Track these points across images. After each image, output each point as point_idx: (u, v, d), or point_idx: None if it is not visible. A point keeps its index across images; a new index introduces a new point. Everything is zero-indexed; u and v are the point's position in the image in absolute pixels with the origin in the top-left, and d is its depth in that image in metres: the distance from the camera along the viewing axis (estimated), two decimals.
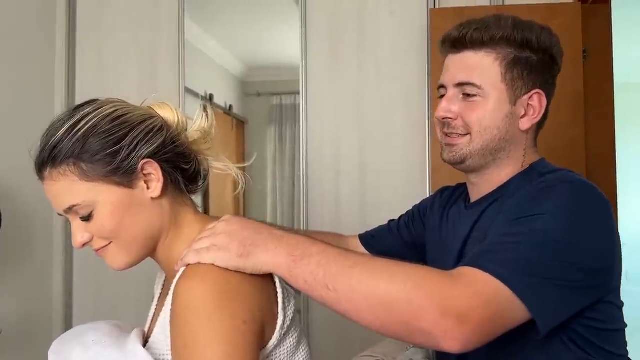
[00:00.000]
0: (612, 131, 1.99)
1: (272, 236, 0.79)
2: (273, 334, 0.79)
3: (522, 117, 0.99)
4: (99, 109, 0.81)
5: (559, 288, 0.78)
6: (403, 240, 1.26)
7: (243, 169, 0.92)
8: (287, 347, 0.82)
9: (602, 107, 1.98)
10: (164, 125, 0.84)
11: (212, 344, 0.69)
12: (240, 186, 0.91)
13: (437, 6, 2.09)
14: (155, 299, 0.95)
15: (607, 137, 1.98)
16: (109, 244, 0.81)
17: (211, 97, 2.30)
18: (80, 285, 2.23)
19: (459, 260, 0.98)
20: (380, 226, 1.34)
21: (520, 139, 1.00)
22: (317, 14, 2.17)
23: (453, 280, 0.75)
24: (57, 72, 2.26)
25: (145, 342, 0.83)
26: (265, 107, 2.37)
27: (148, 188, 0.81)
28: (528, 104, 0.99)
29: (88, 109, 0.80)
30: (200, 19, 2.28)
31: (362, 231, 1.34)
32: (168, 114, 0.87)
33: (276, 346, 0.80)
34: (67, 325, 2.20)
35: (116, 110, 0.81)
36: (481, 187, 1.03)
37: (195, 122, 0.89)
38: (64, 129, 0.79)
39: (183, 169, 0.86)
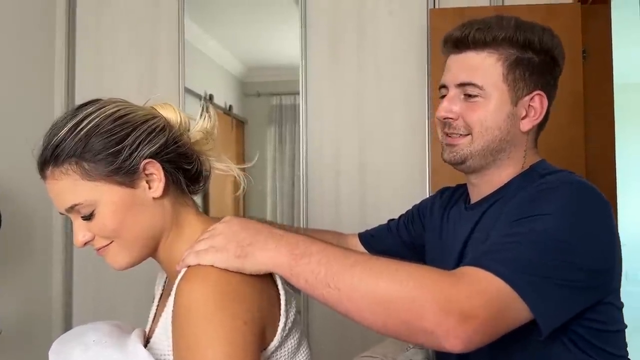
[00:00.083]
0: (612, 132, 1.99)
1: (271, 235, 0.79)
2: (274, 336, 0.79)
3: (523, 118, 0.99)
4: (101, 108, 0.81)
5: (560, 288, 0.78)
6: (402, 241, 1.26)
7: (243, 170, 0.92)
8: (289, 349, 0.82)
9: (601, 108, 1.98)
10: (166, 126, 0.84)
11: (213, 345, 0.69)
12: (241, 187, 0.91)
13: (436, 6, 2.09)
14: (156, 300, 0.95)
15: (607, 137, 1.98)
16: (110, 243, 0.82)
17: (211, 97, 2.30)
18: (80, 285, 2.23)
19: (459, 261, 0.98)
20: (380, 225, 1.34)
21: (520, 140, 1.00)
22: (317, 14, 2.17)
23: (455, 280, 0.75)
24: (57, 72, 2.26)
25: (146, 343, 0.83)
26: (265, 107, 2.37)
27: (150, 188, 0.81)
28: (529, 105, 0.99)
29: (91, 109, 0.81)
30: (200, 19, 2.28)
31: (362, 231, 1.34)
32: (170, 114, 0.87)
33: (277, 347, 0.80)
34: (67, 325, 2.20)
35: (119, 110, 0.81)
36: (481, 187, 1.03)
37: (198, 123, 0.89)
38: (66, 128, 0.79)
39: (185, 169, 0.86)
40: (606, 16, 2.02)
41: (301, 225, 2.10)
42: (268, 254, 0.77)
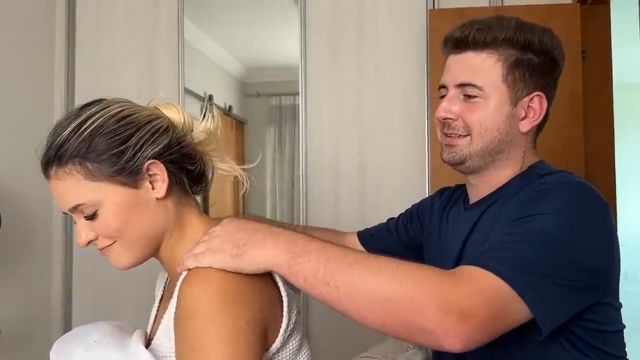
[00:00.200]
0: (611, 132, 2.00)
1: (269, 234, 0.79)
2: (276, 337, 0.79)
3: (522, 119, 0.99)
4: (105, 108, 0.81)
5: (559, 287, 0.78)
6: (401, 240, 1.27)
7: (244, 170, 0.93)
8: (290, 350, 0.82)
9: (601, 108, 1.98)
10: (169, 126, 0.84)
11: (215, 345, 0.69)
12: (244, 187, 0.91)
13: (436, 7, 2.09)
14: (157, 301, 0.96)
15: (606, 137, 1.98)
16: (113, 243, 0.82)
17: (210, 97, 2.30)
18: (80, 286, 2.23)
19: (458, 261, 0.98)
20: (379, 224, 1.34)
21: (519, 141, 1.00)
22: (317, 14, 2.17)
23: (455, 279, 0.75)
24: (57, 72, 2.27)
25: (147, 344, 0.83)
26: (264, 107, 2.37)
27: (153, 188, 0.82)
28: (529, 105, 0.99)
29: (94, 109, 0.81)
30: (200, 19, 2.28)
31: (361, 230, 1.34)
32: (174, 115, 0.87)
33: (279, 349, 0.80)
34: (67, 325, 2.20)
35: (122, 110, 0.81)
36: (480, 188, 1.03)
37: (201, 123, 0.89)
38: (70, 128, 0.79)
39: (188, 170, 0.86)
40: (605, 16, 2.02)
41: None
42: (266, 252, 0.77)
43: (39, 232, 2.15)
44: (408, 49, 2.12)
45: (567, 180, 0.91)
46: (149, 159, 0.80)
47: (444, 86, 1.03)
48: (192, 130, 0.88)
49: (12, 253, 1.97)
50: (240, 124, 2.35)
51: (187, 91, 2.22)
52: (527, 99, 0.98)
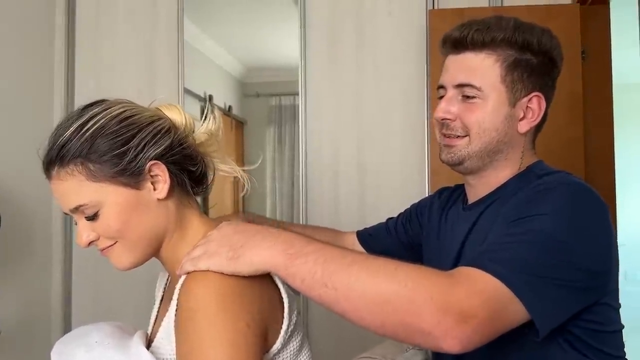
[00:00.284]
0: (611, 132, 2.00)
1: (266, 235, 0.79)
2: (277, 338, 0.79)
3: (521, 119, 0.99)
4: (107, 109, 0.81)
5: (557, 288, 0.78)
6: (400, 240, 1.27)
7: (244, 172, 0.93)
8: (291, 351, 0.82)
9: (600, 108, 1.98)
10: (171, 127, 0.85)
11: (215, 347, 0.69)
12: (245, 189, 0.92)
13: (435, 7, 2.09)
14: (157, 301, 0.96)
15: (606, 138, 1.99)
16: (115, 243, 0.82)
17: (210, 97, 2.30)
18: (80, 286, 2.23)
19: (457, 261, 0.98)
20: (378, 224, 1.34)
21: (518, 141, 1.00)
22: (316, 14, 2.17)
23: (453, 280, 0.75)
24: (57, 72, 2.27)
25: (148, 345, 0.83)
26: (264, 107, 2.37)
27: (154, 189, 0.82)
28: (527, 106, 0.99)
29: (97, 109, 0.81)
30: (199, 19, 2.28)
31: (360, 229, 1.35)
32: (176, 116, 0.87)
33: (280, 350, 0.80)
34: (66, 325, 2.20)
35: (125, 111, 0.81)
36: (478, 188, 1.03)
37: (203, 124, 0.89)
38: (72, 129, 0.79)
39: (190, 171, 0.86)
40: (605, 17, 2.02)
41: None
42: (263, 253, 0.76)
43: (38, 232, 2.15)
44: (408, 49, 2.12)
45: (566, 181, 0.91)
46: (150, 160, 0.81)
47: (442, 86, 1.03)
48: (193, 132, 0.89)
49: (12, 253, 1.97)
50: (239, 124, 2.35)
51: (187, 91, 2.22)
52: (525, 99, 0.98)
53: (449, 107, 1.00)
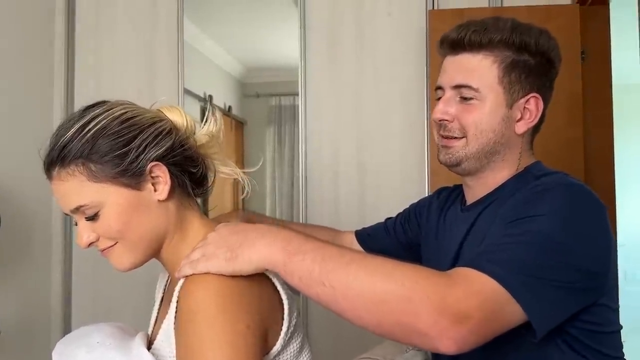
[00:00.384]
0: (611, 132, 2.00)
1: (265, 232, 0.79)
2: (277, 340, 0.79)
3: (518, 120, 0.99)
4: (109, 110, 0.81)
5: (555, 289, 0.78)
6: (398, 240, 1.27)
7: (244, 173, 0.93)
8: (291, 352, 0.83)
9: (600, 109, 1.98)
10: (172, 129, 0.85)
11: (214, 349, 0.69)
12: (245, 191, 0.92)
13: (435, 7, 2.09)
14: (157, 302, 0.96)
15: (606, 138, 1.99)
16: (115, 244, 0.82)
17: (210, 98, 2.30)
18: (79, 286, 2.23)
19: (455, 262, 0.98)
20: (377, 224, 1.34)
21: (515, 142, 1.00)
22: (316, 15, 2.17)
23: (451, 281, 0.75)
24: (57, 72, 2.26)
25: (149, 346, 0.83)
26: (264, 108, 2.37)
27: (155, 190, 0.82)
28: (524, 107, 0.99)
29: (98, 110, 0.81)
30: (199, 19, 2.28)
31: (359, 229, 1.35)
32: (177, 117, 0.87)
33: (280, 352, 0.80)
34: (66, 326, 2.20)
35: (126, 112, 0.82)
36: (477, 189, 1.03)
37: (204, 126, 0.90)
38: (73, 129, 0.79)
39: (190, 173, 0.87)
40: (605, 17, 2.02)
41: None
42: (261, 250, 0.77)
43: (38, 232, 2.15)
44: (407, 50, 2.12)
45: (563, 182, 0.91)
46: (151, 161, 0.81)
47: (440, 87, 1.03)
48: (194, 133, 0.89)
49: (11, 254, 1.97)
50: (239, 125, 2.35)
51: (187, 91, 2.22)
52: (523, 100, 0.98)
53: (446, 108, 1.00)
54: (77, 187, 0.79)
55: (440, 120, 1.01)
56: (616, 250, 0.90)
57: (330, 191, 2.14)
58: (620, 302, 0.95)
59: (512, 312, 0.76)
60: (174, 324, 0.77)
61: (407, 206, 1.31)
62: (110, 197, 0.79)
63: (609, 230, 0.87)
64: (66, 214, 0.83)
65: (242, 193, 0.92)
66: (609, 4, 2.02)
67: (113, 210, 0.79)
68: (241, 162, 2.28)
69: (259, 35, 2.37)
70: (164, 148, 0.82)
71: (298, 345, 0.84)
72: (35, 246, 2.13)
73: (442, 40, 1.03)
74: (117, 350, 0.79)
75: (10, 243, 1.94)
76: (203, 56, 2.34)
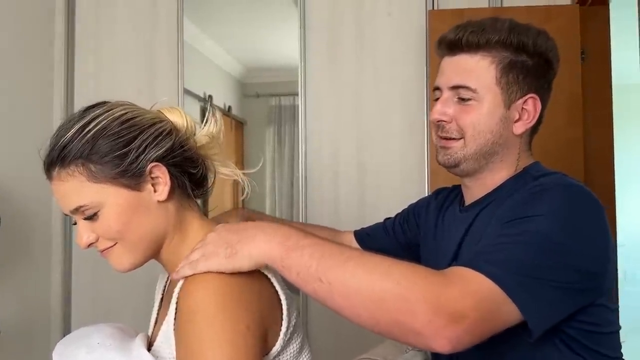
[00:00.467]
0: (610, 133, 2.00)
1: (264, 228, 0.80)
2: (276, 340, 0.79)
3: (516, 121, 0.99)
4: (109, 111, 0.81)
5: (552, 289, 0.78)
6: (397, 240, 1.27)
7: (244, 174, 0.93)
8: (291, 353, 0.82)
9: (600, 109, 1.98)
10: (172, 130, 0.85)
11: (213, 348, 0.69)
12: (245, 192, 0.92)
13: (435, 7, 2.09)
14: (157, 303, 0.96)
15: (606, 138, 1.99)
16: (114, 245, 0.82)
17: (210, 98, 2.30)
18: (79, 287, 2.23)
19: (453, 262, 0.98)
20: (376, 224, 1.34)
21: (513, 143, 1.00)
22: (316, 15, 2.17)
23: (447, 280, 0.75)
24: (56, 72, 2.26)
25: (149, 347, 0.83)
26: (264, 108, 2.37)
27: (155, 191, 0.82)
28: (522, 108, 0.98)
29: (98, 111, 0.81)
30: (199, 19, 2.28)
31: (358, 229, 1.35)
32: (177, 118, 0.87)
33: (279, 352, 0.80)
34: (66, 326, 2.20)
35: (126, 113, 0.82)
36: (475, 190, 1.03)
37: (204, 127, 0.90)
38: (73, 130, 0.79)
39: (190, 173, 0.87)
40: (605, 17, 2.02)
41: None
42: (260, 246, 0.77)
43: (38, 233, 2.15)
44: (407, 50, 2.12)
45: (562, 182, 0.91)
46: (151, 162, 0.81)
47: (438, 88, 1.03)
48: (194, 134, 0.89)
49: (11, 254, 1.97)
50: (239, 125, 2.36)
51: (187, 91, 2.22)
52: (520, 101, 0.98)
53: (444, 108, 1.00)
54: (77, 188, 0.79)
55: (438, 121, 1.01)
56: (615, 251, 0.90)
57: (330, 191, 2.14)
58: (620, 302, 0.95)
59: (508, 312, 0.76)
60: (174, 325, 0.77)
61: (407, 206, 1.31)
62: (110, 197, 0.79)
63: (607, 231, 0.87)
64: (66, 214, 0.83)
65: (242, 194, 0.92)
66: (609, 4, 2.02)
67: (113, 211, 0.80)
68: (241, 162, 2.28)
69: (259, 35, 2.37)
70: (164, 149, 0.82)
71: (298, 346, 0.84)
72: (35, 246, 2.13)
73: (440, 41, 1.03)
74: (117, 351, 0.79)
75: (10, 243, 1.94)
76: (203, 56, 2.34)
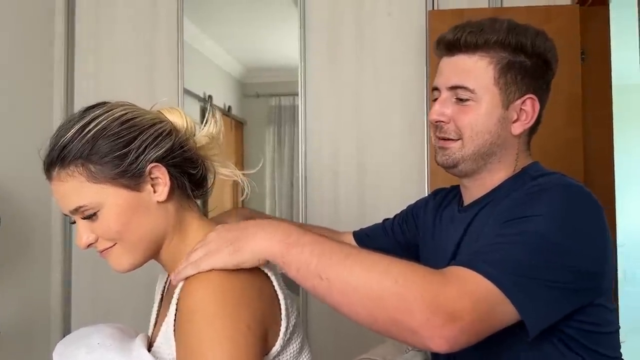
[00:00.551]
0: (610, 133, 2.00)
1: (265, 225, 0.80)
2: (276, 340, 0.79)
3: (515, 121, 0.99)
4: (109, 111, 0.81)
5: (549, 289, 0.78)
6: (396, 241, 1.27)
7: (244, 174, 0.93)
8: (291, 353, 0.82)
9: (600, 109, 1.98)
10: (172, 130, 0.85)
11: (214, 348, 0.69)
12: (245, 193, 0.92)
13: (435, 8, 2.09)
14: (156, 303, 0.96)
15: (605, 139, 1.99)
16: (114, 245, 0.82)
17: (210, 98, 2.30)
18: (79, 287, 2.23)
19: (452, 262, 0.98)
20: (375, 224, 1.34)
21: (512, 143, 1.00)
22: (316, 15, 2.17)
23: (445, 280, 0.75)
24: (56, 73, 2.26)
25: (149, 348, 0.83)
26: (264, 108, 2.37)
27: (155, 192, 0.82)
28: (521, 108, 0.98)
29: (98, 111, 0.81)
30: (199, 19, 2.28)
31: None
32: (177, 119, 0.87)
33: (279, 352, 0.80)
34: (66, 326, 2.20)
35: (126, 114, 0.82)
36: (474, 190, 1.03)
37: (204, 128, 0.90)
38: (73, 130, 0.79)
39: (190, 174, 0.87)
40: (605, 18, 2.02)
41: None
42: (261, 242, 0.78)
43: (38, 233, 2.15)
44: (407, 50, 2.12)
45: (561, 182, 0.91)
46: (151, 162, 0.81)
47: (436, 88, 1.03)
48: (194, 135, 0.89)
49: (11, 254, 1.97)
50: (239, 125, 2.36)
51: (187, 91, 2.22)
52: (519, 101, 0.98)
53: (442, 109, 1.00)
54: (77, 188, 0.79)
55: (436, 122, 1.01)
56: (614, 251, 0.90)
57: (330, 191, 2.14)
58: (620, 302, 0.95)
59: (505, 312, 0.76)
60: (174, 325, 0.77)
61: (406, 207, 1.31)
62: (109, 198, 0.79)
63: (606, 231, 0.87)
64: (65, 215, 0.83)
65: (242, 194, 0.93)
66: (608, 5, 2.02)
67: (112, 211, 0.80)
68: (241, 162, 2.28)
69: (259, 35, 2.37)
70: (163, 149, 0.82)
71: (298, 346, 0.84)
72: (35, 247, 2.13)
73: (439, 41, 1.03)
74: (117, 352, 0.79)
75: (10, 243, 1.94)
76: (203, 56, 2.34)
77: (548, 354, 0.88)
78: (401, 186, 2.09)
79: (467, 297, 0.73)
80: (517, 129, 0.99)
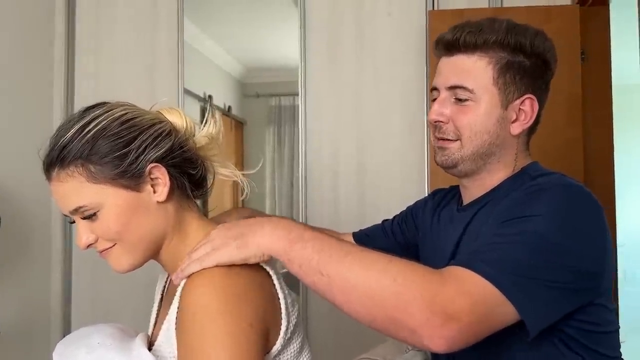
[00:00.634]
0: (610, 133, 2.00)
1: (268, 221, 0.81)
2: (277, 339, 0.79)
3: (514, 121, 0.98)
4: (109, 111, 0.81)
5: (549, 289, 0.78)
6: (396, 241, 1.27)
7: (243, 174, 0.93)
8: (291, 352, 0.82)
9: (600, 109, 1.98)
10: (172, 130, 0.85)
11: (215, 346, 0.69)
12: (244, 193, 0.92)
13: (435, 8, 2.09)
14: (156, 303, 0.96)
15: (605, 139, 1.99)
16: (113, 245, 0.82)
17: (210, 98, 2.30)
18: (79, 287, 2.24)
19: (451, 262, 0.98)
20: (374, 225, 1.34)
21: (511, 143, 1.00)
22: (316, 15, 2.17)
23: (443, 280, 0.75)
24: (56, 73, 2.27)
25: (149, 347, 0.83)
26: (264, 108, 2.37)
27: (154, 192, 0.82)
28: (520, 108, 0.98)
29: (98, 111, 0.81)
30: (199, 19, 2.28)
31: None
32: (177, 119, 0.87)
33: (280, 351, 0.80)
34: (66, 326, 2.21)
35: (126, 114, 0.82)
36: (473, 190, 1.03)
37: (203, 128, 0.90)
38: (73, 130, 0.79)
39: (190, 174, 0.87)
40: (605, 18, 2.02)
41: None
42: (266, 238, 0.78)
43: (38, 233, 2.15)
44: (407, 50, 2.12)
45: (560, 182, 0.91)
46: (151, 163, 0.81)
47: (435, 88, 1.03)
48: (194, 135, 0.89)
49: (11, 254, 1.97)
50: (239, 125, 2.36)
51: (187, 91, 2.22)
52: (518, 101, 0.98)
53: (441, 109, 1.00)
54: (77, 188, 0.79)
55: (435, 122, 1.01)
56: (614, 251, 0.89)
57: (330, 191, 2.14)
58: (620, 302, 0.95)
59: (504, 313, 0.76)
60: (175, 324, 0.77)
61: (406, 207, 1.31)
62: (109, 198, 0.79)
63: (606, 231, 0.87)
64: (65, 215, 0.83)
65: (242, 194, 0.93)
66: (609, 5, 2.02)
67: (112, 212, 0.79)
68: (241, 162, 2.28)
69: (259, 35, 2.37)
70: (163, 149, 0.82)
71: (298, 346, 0.84)
72: (34, 247, 2.13)
73: (438, 41, 1.03)
74: (117, 351, 0.79)
75: (10, 244, 1.94)
76: (203, 56, 2.34)
77: (548, 353, 0.88)
78: (401, 186, 2.09)
79: (465, 297, 0.73)
80: (516, 129, 0.99)
